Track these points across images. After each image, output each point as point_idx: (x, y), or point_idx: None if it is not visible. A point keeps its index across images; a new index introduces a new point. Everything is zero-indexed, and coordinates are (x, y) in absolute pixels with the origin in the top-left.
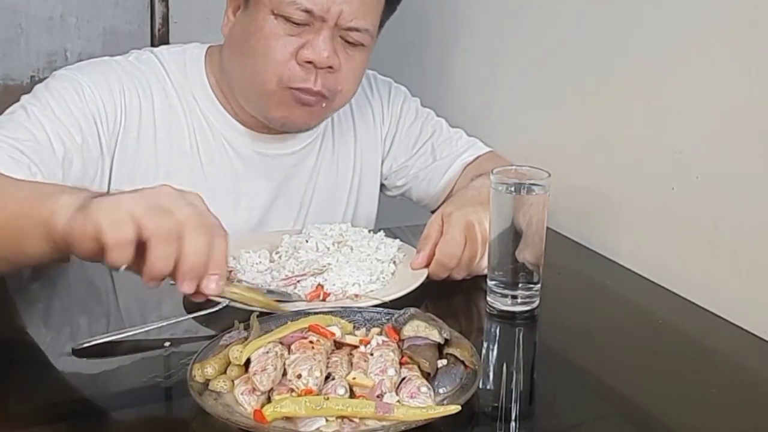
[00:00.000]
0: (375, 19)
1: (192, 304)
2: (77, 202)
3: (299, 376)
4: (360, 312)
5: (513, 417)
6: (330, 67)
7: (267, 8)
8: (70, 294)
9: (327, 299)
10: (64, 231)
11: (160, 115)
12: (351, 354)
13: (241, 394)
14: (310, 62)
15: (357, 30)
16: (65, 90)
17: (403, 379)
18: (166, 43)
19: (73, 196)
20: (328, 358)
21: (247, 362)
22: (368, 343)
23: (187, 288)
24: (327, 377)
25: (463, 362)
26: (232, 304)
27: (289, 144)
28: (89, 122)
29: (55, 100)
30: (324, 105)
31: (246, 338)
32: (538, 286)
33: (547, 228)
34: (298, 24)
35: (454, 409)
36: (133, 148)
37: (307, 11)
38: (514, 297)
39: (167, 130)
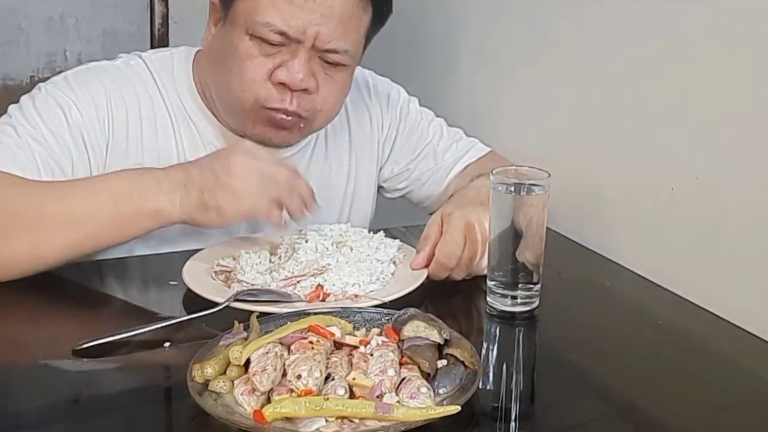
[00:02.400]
0: (357, 39)
1: (192, 304)
2: (178, 195)
3: (299, 377)
4: (360, 312)
5: (513, 417)
6: (305, 90)
7: (242, 28)
8: (70, 294)
9: (327, 299)
10: (185, 219)
11: (147, 124)
12: (351, 354)
13: (241, 394)
14: (284, 84)
15: (336, 52)
16: (53, 112)
17: (403, 379)
18: (166, 43)
19: (169, 193)
20: (328, 358)
21: (247, 362)
22: (368, 343)
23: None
24: (327, 378)
25: (463, 362)
26: (233, 305)
27: (278, 150)
28: (78, 144)
29: (45, 123)
30: (302, 125)
31: (246, 338)
32: (538, 286)
33: (547, 228)
34: (273, 45)
35: (454, 409)
36: (121, 158)
37: (282, 33)
38: (514, 297)
39: (154, 138)
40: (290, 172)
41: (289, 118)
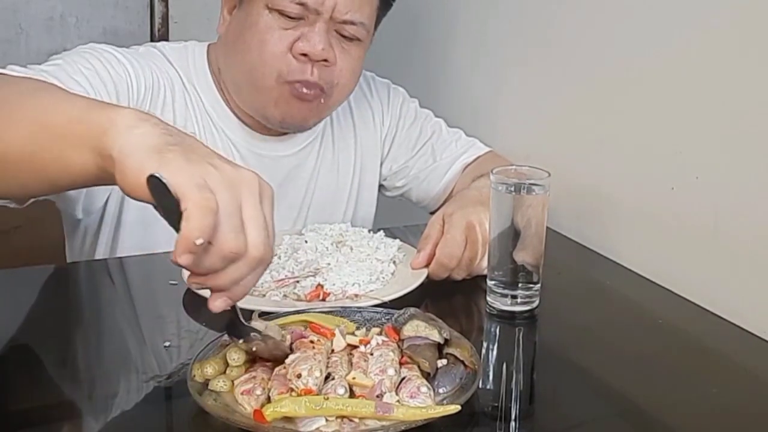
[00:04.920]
0: (370, 13)
1: (192, 303)
2: (147, 133)
3: (299, 376)
4: (360, 312)
5: (513, 417)
6: (325, 60)
7: (261, 2)
8: (68, 294)
9: (327, 299)
10: (119, 160)
11: (178, 109)
12: (351, 354)
13: (241, 393)
14: (305, 55)
15: (352, 23)
16: (97, 53)
17: (403, 378)
18: None
19: (137, 119)
20: (328, 357)
21: (250, 362)
22: (368, 342)
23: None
24: (327, 377)
25: (462, 362)
26: None
27: (288, 145)
28: (122, 82)
29: (92, 57)
30: (322, 100)
31: None
32: (538, 285)
33: (547, 228)
34: (292, 18)
35: (454, 409)
36: None
37: (302, 4)
38: (514, 297)
39: (183, 126)
40: (261, 264)
41: (311, 90)
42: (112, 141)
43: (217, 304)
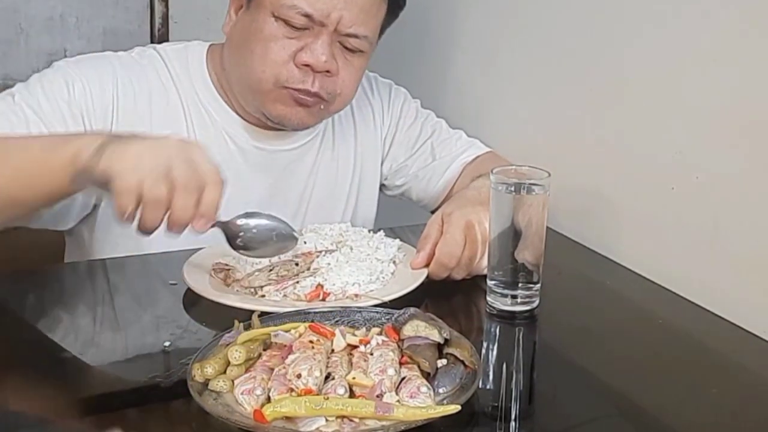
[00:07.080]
0: (375, 27)
1: (192, 303)
2: (98, 141)
3: (299, 376)
4: (360, 312)
5: (513, 417)
6: (327, 71)
7: (267, 10)
8: (70, 294)
9: (327, 299)
10: (84, 168)
11: (156, 110)
12: (351, 354)
13: (241, 393)
14: (307, 65)
15: (356, 36)
16: (56, 83)
17: (403, 378)
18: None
19: (94, 137)
20: (328, 357)
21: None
22: (368, 342)
23: (175, 233)
24: (327, 377)
25: (462, 362)
26: (233, 304)
27: (288, 140)
28: (75, 117)
29: (45, 92)
30: (322, 107)
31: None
32: (538, 285)
33: (547, 228)
34: (297, 28)
35: (454, 408)
36: None
37: (307, 16)
38: (514, 297)
39: (163, 125)
40: (215, 170)
41: (311, 98)
42: (79, 164)
43: (196, 226)
